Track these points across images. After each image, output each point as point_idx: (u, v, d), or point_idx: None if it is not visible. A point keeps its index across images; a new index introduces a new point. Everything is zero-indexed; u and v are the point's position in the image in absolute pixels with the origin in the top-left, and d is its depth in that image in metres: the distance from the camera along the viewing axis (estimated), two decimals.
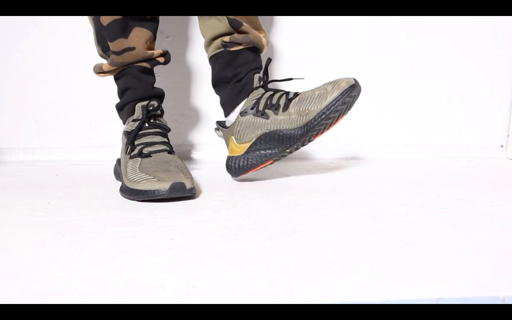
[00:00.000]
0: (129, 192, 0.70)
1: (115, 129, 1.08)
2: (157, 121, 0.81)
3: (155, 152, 0.76)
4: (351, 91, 0.75)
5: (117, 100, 0.87)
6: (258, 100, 0.81)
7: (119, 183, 0.80)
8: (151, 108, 0.81)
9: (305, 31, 1.12)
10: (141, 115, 0.81)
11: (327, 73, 1.13)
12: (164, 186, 0.67)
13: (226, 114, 0.87)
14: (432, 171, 0.97)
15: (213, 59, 0.87)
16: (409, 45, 1.14)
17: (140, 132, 0.79)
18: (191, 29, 1.09)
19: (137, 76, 0.82)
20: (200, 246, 0.49)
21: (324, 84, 0.78)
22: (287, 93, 0.81)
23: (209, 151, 1.15)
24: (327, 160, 1.09)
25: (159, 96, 0.86)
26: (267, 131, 0.79)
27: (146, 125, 0.80)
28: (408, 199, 0.71)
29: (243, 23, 0.82)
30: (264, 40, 0.86)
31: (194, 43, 1.10)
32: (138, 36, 0.80)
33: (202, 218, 0.60)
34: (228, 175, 0.88)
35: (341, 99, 0.75)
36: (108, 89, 1.07)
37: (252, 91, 0.82)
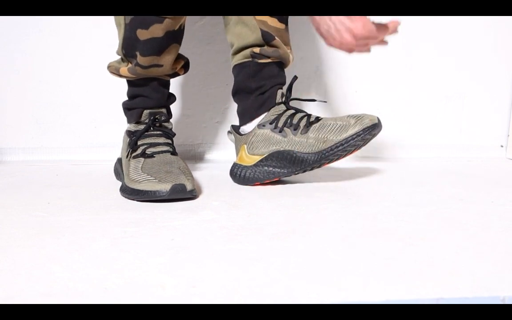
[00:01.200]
0: (129, 192, 0.70)
1: (115, 129, 1.08)
2: (162, 126, 0.82)
3: (158, 153, 0.77)
4: (373, 130, 0.75)
5: (119, 99, 0.87)
6: (279, 116, 0.80)
7: (119, 183, 0.80)
8: (158, 116, 0.81)
9: (305, 31, 1.12)
10: (147, 119, 0.81)
11: (328, 73, 1.14)
12: (165, 187, 0.67)
13: (242, 124, 0.86)
14: (432, 171, 0.97)
15: (237, 68, 0.85)
16: (409, 45, 1.14)
17: (147, 134, 0.80)
18: (193, 29, 1.09)
19: (155, 88, 0.81)
20: (200, 246, 0.49)
21: (348, 116, 0.77)
22: (309, 115, 0.80)
23: (209, 151, 1.15)
24: None
25: (170, 102, 0.86)
26: (281, 149, 0.78)
27: (151, 128, 0.80)
28: (408, 199, 0.71)
29: (276, 37, 0.81)
30: (291, 57, 0.85)
31: (196, 43, 1.10)
32: (170, 53, 0.78)
33: (202, 218, 0.60)
34: (229, 176, 0.88)
35: (362, 135, 0.75)
36: (108, 89, 1.07)
37: (273, 106, 0.82)
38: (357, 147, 0.76)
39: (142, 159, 0.75)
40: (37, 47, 1.07)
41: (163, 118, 0.81)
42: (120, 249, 0.48)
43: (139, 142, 0.78)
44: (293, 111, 0.81)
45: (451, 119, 1.19)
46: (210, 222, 0.58)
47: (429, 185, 0.82)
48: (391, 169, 0.99)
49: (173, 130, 0.85)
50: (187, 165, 0.77)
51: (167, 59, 0.78)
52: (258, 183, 0.81)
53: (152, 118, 0.80)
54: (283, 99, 0.82)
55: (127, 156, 0.78)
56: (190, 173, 0.73)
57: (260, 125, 0.81)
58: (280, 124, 0.79)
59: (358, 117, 0.76)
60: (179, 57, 0.84)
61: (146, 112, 0.81)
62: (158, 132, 0.80)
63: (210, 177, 0.89)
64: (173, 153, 0.79)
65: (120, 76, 0.82)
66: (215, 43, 1.10)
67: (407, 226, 0.57)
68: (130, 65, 0.79)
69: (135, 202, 0.69)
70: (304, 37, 1.12)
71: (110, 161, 1.01)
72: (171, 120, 0.85)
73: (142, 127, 0.81)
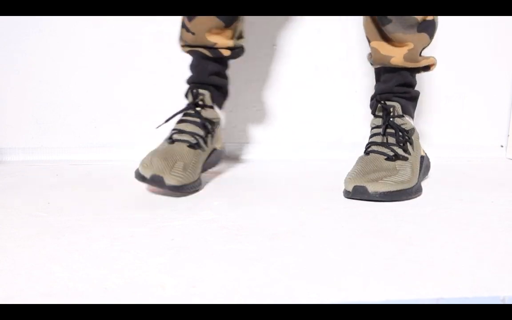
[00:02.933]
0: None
1: (115, 129, 1.08)
2: (202, 113, 0.81)
3: (179, 141, 0.77)
4: None
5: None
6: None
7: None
8: (198, 100, 0.81)
9: (305, 31, 1.11)
10: (191, 100, 0.82)
11: (327, 73, 1.14)
12: (146, 172, 0.69)
13: None
14: (432, 171, 0.97)
15: None
16: None
17: (182, 117, 0.81)
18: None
19: (197, 61, 0.83)
20: (200, 246, 0.49)
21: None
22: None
23: None
24: (329, 160, 1.08)
25: (216, 86, 0.85)
26: None
27: (192, 112, 0.80)
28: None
29: None
30: None
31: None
32: (201, 22, 0.79)
33: (202, 218, 0.60)
34: (228, 175, 0.88)
35: None
36: (108, 89, 1.07)
37: None
38: None
39: (166, 143, 0.76)
40: (37, 47, 1.07)
41: (202, 98, 0.81)
42: (120, 249, 0.48)
43: (174, 127, 0.80)
44: None
45: (451, 119, 1.19)
46: (210, 222, 0.58)
47: (429, 185, 0.82)
48: None
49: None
50: (194, 162, 0.76)
51: (197, 28, 0.79)
52: None
53: (192, 100, 0.81)
54: None
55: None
56: (187, 170, 0.72)
57: None
58: None
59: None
60: (231, 36, 0.83)
61: (190, 93, 0.82)
62: (193, 119, 0.80)
63: (210, 177, 0.89)
64: (192, 145, 0.77)
65: (182, 46, 0.85)
66: None
67: (407, 226, 0.57)
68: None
69: (134, 202, 0.69)
70: (304, 37, 1.12)
71: (110, 161, 1.01)
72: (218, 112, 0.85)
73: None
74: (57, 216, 0.61)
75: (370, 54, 0.84)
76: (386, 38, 0.79)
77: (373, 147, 0.77)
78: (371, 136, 0.80)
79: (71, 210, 0.64)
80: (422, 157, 0.82)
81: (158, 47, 1.07)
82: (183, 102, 1.12)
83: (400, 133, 0.77)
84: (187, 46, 0.83)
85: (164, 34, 1.08)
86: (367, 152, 0.77)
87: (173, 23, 1.08)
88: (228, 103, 0.99)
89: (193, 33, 0.80)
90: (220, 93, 0.86)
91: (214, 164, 0.86)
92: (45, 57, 1.08)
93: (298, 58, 1.13)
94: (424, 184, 0.83)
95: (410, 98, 0.82)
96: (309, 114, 1.13)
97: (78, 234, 0.53)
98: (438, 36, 1.14)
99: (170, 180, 0.69)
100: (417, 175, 0.76)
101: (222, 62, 0.85)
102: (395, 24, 0.77)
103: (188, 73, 0.86)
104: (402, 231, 0.55)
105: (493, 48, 1.16)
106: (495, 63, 1.17)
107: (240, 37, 0.86)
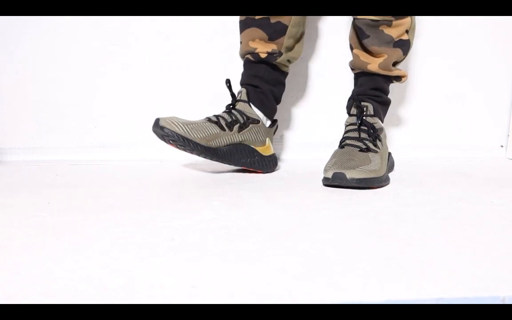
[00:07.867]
0: None
1: (115, 129, 1.08)
2: (237, 107, 0.90)
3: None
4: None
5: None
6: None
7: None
8: (237, 95, 0.91)
9: (305, 31, 1.11)
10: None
11: (327, 73, 1.14)
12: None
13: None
14: (432, 171, 0.97)
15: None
16: None
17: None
18: (194, 25, 1.09)
19: (243, 65, 0.95)
20: (200, 246, 0.49)
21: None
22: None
23: None
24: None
25: (253, 86, 0.92)
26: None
27: (233, 111, 0.89)
28: (408, 199, 0.71)
29: None
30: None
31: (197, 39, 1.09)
32: (248, 35, 0.91)
33: (202, 218, 0.60)
34: (228, 175, 0.88)
35: None
36: (108, 89, 1.07)
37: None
38: None
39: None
40: (37, 47, 1.07)
41: (241, 95, 0.91)
42: (120, 249, 0.48)
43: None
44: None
45: (451, 119, 1.19)
46: (210, 222, 0.58)
47: (429, 185, 0.82)
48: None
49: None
50: (205, 128, 0.84)
51: (243, 38, 0.92)
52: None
53: (233, 99, 0.91)
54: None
55: None
56: (186, 122, 0.82)
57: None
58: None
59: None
60: (273, 47, 0.92)
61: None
62: (226, 110, 0.90)
63: (210, 177, 0.89)
64: (210, 120, 0.86)
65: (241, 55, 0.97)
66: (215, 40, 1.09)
67: (407, 226, 0.57)
68: None
69: (134, 202, 0.69)
70: (304, 37, 1.12)
71: (110, 161, 1.01)
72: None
73: None
74: (57, 216, 0.61)
75: (352, 60, 0.94)
76: (364, 48, 0.90)
77: (348, 141, 0.85)
78: (346, 132, 0.88)
79: (71, 210, 0.64)
80: (389, 153, 0.93)
81: (158, 48, 1.07)
82: (183, 102, 1.13)
83: (372, 131, 0.86)
84: (242, 56, 0.95)
85: (164, 35, 1.08)
86: (342, 146, 0.86)
87: (173, 23, 1.08)
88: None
89: (241, 43, 0.93)
90: (257, 93, 0.92)
91: (241, 159, 0.89)
92: (45, 57, 1.08)
93: (299, 59, 1.13)
94: (424, 184, 0.83)
95: (381, 102, 0.92)
96: (309, 114, 1.13)
97: (78, 234, 0.53)
98: (438, 36, 1.14)
99: (163, 122, 0.79)
100: (385, 167, 0.85)
101: (266, 65, 0.92)
102: (372, 39, 0.87)
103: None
104: (402, 231, 0.55)
105: (493, 48, 1.16)
106: (495, 63, 1.17)
107: (288, 49, 0.94)
